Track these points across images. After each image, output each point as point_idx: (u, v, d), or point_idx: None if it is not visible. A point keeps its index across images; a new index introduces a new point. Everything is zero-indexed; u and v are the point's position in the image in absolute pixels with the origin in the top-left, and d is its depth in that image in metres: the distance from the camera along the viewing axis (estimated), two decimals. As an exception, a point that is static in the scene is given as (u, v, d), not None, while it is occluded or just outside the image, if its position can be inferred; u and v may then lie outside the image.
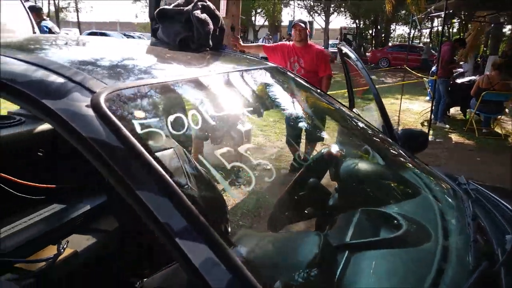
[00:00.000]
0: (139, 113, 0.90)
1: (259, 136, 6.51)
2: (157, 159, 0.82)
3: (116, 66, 1.12)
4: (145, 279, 1.68)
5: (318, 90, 2.18)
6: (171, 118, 0.97)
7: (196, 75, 1.22)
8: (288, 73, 2.12)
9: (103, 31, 24.72)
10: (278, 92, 2.07)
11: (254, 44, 10.07)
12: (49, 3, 30.96)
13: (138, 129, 0.87)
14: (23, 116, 2.32)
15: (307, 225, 1.78)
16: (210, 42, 1.60)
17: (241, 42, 4.57)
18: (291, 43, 4.65)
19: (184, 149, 2.20)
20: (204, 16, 1.56)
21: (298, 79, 2.21)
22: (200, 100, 1.13)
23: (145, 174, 0.78)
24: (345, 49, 3.04)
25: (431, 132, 7.43)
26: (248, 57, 1.93)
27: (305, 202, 1.67)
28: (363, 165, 1.72)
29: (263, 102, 1.72)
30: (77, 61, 1.07)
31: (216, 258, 0.73)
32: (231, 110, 1.42)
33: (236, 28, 4.86)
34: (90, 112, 0.84)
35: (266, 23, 31.67)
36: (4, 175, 1.99)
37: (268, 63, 2.01)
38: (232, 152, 1.13)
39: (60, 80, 0.91)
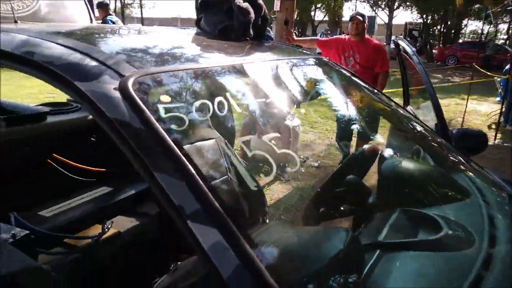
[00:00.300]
0: (165, 98, 0.92)
1: (309, 132, 6.42)
2: (177, 143, 0.83)
3: (150, 52, 1.15)
4: (179, 262, 1.73)
5: (367, 85, 2.09)
6: (197, 104, 0.97)
7: (229, 63, 1.22)
8: (335, 66, 2.05)
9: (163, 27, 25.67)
10: (322, 85, 2.01)
11: (308, 38, 9.91)
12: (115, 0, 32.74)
13: (162, 113, 0.88)
14: (80, 103, 2.47)
15: (343, 223, 1.73)
16: (251, 32, 1.59)
17: (294, 36, 4.52)
18: (347, 36, 4.52)
19: (226, 141, 2.23)
20: (245, 5, 1.55)
21: (346, 72, 2.13)
22: (229, 89, 1.12)
23: (163, 157, 0.78)
24: (402, 43, 2.90)
25: (499, 135, 6.89)
26: (292, 48, 1.89)
27: (342, 199, 1.61)
28: (408, 164, 1.62)
29: (302, 94, 1.67)
30: (113, 47, 1.11)
31: (226, 243, 0.72)
32: (267, 101, 1.41)
33: (290, 22, 4.81)
34: (117, 94, 0.86)
35: (326, 18, 31.07)
36: (60, 157, 2.13)
37: (312, 54, 1.95)
38: (256, 140, 1.10)
39: (93, 63, 0.94)
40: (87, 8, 2.62)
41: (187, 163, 0.78)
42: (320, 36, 14.59)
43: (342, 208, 1.58)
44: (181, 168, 0.77)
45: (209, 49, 1.38)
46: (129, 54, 1.07)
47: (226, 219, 0.74)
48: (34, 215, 1.91)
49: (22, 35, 1.10)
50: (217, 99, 1.00)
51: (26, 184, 2.07)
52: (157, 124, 0.82)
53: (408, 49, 2.66)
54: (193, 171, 0.77)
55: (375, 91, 2.04)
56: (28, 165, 2.12)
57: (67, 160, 2.15)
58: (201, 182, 0.76)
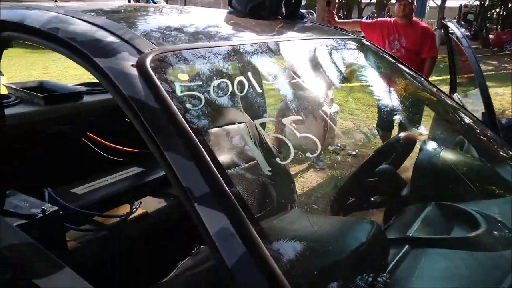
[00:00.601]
0: (183, 76, 0.88)
1: (348, 119, 6.22)
2: (193, 124, 0.79)
3: (174, 29, 1.12)
4: (202, 246, 1.72)
5: (410, 71, 1.96)
6: (215, 83, 0.93)
7: (256, 41, 1.16)
8: (375, 48, 1.93)
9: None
10: (360, 69, 1.91)
11: (351, 20, 9.52)
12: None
13: (179, 92, 0.84)
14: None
15: (373, 215, 1.64)
16: (283, 10, 1.52)
17: (336, 18, 4.34)
18: (392, 19, 4.29)
19: (256, 125, 2.18)
20: (278, -18, 1.48)
21: (387, 56, 2.01)
22: (254, 68, 1.06)
23: (175, 136, 0.75)
24: (451, 25, 2.71)
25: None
26: (329, 28, 1.79)
27: (373, 190, 1.53)
28: (448, 155, 1.50)
29: (336, 77, 1.58)
30: (138, 24, 1.08)
31: (233, 229, 0.68)
32: (297, 83, 1.33)
33: (332, 3, 4.63)
34: (134, 71, 0.84)
35: (373, 0, 29.90)
36: (95, 137, 2.17)
37: (349, 35, 1.84)
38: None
39: (114, 40, 0.92)
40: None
41: (200, 144, 0.74)
42: (366, 19, 14.01)
43: (372, 199, 1.50)
44: (193, 149, 0.74)
45: (236, 27, 1.33)
46: (152, 31, 1.05)
47: (235, 205, 0.70)
48: (67, 192, 1.97)
49: (51, 12, 1.10)
50: (238, 78, 0.95)
51: (62, 161, 2.13)
52: (171, 103, 0.78)
53: (457, 31, 2.48)
54: (205, 153, 0.73)
55: (419, 77, 1.91)
56: (64, 142, 2.17)
57: (101, 140, 2.19)
58: (211, 164, 0.72)
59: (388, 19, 4.40)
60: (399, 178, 1.56)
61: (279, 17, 1.52)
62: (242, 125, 1.97)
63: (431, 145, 1.59)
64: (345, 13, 28.44)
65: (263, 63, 1.14)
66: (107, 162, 2.17)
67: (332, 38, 1.62)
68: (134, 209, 1.96)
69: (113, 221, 1.86)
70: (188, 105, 0.84)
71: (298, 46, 1.35)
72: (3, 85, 2.65)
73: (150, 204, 2.07)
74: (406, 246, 1.02)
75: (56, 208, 1.55)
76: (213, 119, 0.97)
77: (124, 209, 1.96)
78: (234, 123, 1.57)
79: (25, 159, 2.09)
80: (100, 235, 1.78)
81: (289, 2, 1.55)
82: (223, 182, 0.71)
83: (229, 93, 0.94)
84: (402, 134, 1.60)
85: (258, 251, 0.67)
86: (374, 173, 1.54)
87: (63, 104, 2.27)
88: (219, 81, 0.93)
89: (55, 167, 2.11)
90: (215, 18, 1.48)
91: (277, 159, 1.24)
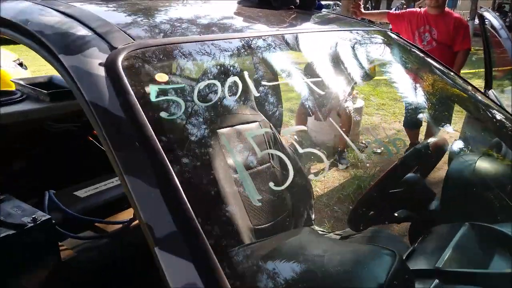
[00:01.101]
0: (163, 77, 0.72)
1: (374, 115, 5.95)
2: (164, 138, 0.64)
3: (165, 21, 0.96)
4: None
5: (439, 65, 1.75)
6: (202, 85, 0.77)
7: (257, 33, 0.98)
8: (401, 40, 1.73)
9: None
10: (385, 63, 1.72)
11: (378, 11, 9.10)
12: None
13: (153, 97, 0.69)
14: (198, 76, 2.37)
15: (398, 229, 1.46)
16: (297, 0, 1.35)
17: (362, 9, 4.09)
18: (422, 9, 4.01)
19: (271, 124, 2.02)
20: (290, -33, 1.31)
21: (414, 48, 1.80)
22: (241, 66, 0.90)
23: (139, 156, 0.60)
24: (488, 16, 2.45)
25: None
26: (346, 19, 1.60)
27: (398, 202, 1.34)
28: (484, 163, 1.30)
29: (357, 71, 1.40)
30: (122, 14, 0.93)
31: (202, 286, 0.52)
32: (309, 79, 1.17)
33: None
34: (101, 71, 0.69)
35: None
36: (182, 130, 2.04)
37: (373, 26, 1.64)
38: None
39: (85, 33, 0.78)
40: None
41: (170, 166, 0.58)
42: (395, 10, 13.43)
43: (396, 214, 1.31)
44: (161, 173, 0.58)
45: (237, 19, 1.16)
46: (135, 23, 0.89)
47: (209, 252, 0.54)
48: (70, 194, 1.87)
49: (28, 1, 0.97)
50: (231, 79, 0.79)
51: (66, 161, 2.04)
52: (140, 112, 0.63)
53: (495, 22, 2.23)
54: (175, 178, 0.57)
55: (449, 72, 1.70)
56: (69, 141, 2.08)
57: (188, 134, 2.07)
58: (183, 194, 0.57)
59: (417, 9, 4.11)
60: (428, 189, 1.37)
61: (292, 7, 1.34)
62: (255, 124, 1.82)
63: (464, 150, 1.38)
64: (373, 4, 27.71)
65: (274, 57, 0.97)
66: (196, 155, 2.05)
67: (350, 30, 1.43)
68: (223, 205, 1.82)
69: (115, 227, 1.75)
70: (163, 114, 0.68)
71: (310, 38, 1.18)
72: (11, 81, 2.58)
73: (240, 200, 1.94)
74: (436, 281, 0.85)
75: (48, 217, 1.44)
76: (197, 131, 0.81)
77: (128, 214, 1.84)
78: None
79: (28, 159, 2.01)
80: (100, 242, 1.68)
81: (304, -10, 1.38)
82: (195, 219, 0.55)
83: (218, 97, 0.77)
84: (431, 139, 1.40)
85: None
86: (399, 183, 1.36)
87: (70, 101, 2.17)
88: (207, 82, 0.77)
89: (59, 167, 2.01)
90: (216, 9, 1.32)
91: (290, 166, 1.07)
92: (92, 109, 0.65)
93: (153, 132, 0.61)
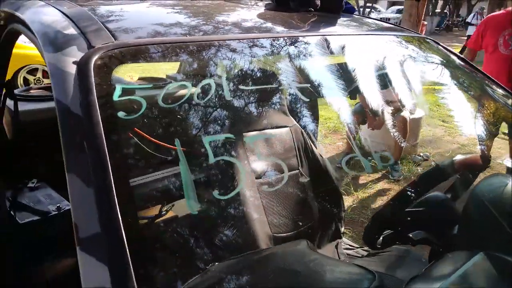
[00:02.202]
0: (133, 76, 0.72)
1: (438, 126, 5.56)
2: (121, 137, 0.63)
3: (155, 21, 0.97)
4: (216, 263, 1.56)
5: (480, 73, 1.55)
6: (172, 85, 0.76)
7: (255, 36, 0.95)
8: (441, 47, 1.59)
9: None
10: (421, 71, 1.58)
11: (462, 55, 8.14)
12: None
13: (116, 96, 0.69)
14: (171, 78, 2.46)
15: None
16: (317, 1, 1.29)
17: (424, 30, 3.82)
18: (509, 8, 3.61)
19: (303, 130, 1.96)
20: (310, -33, 1.25)
21: (455, 56, 1.63)
22: (228, 67, 0.86)
23: (84, 153, 0.60)
24: None
25: None
26: (377, 22, 1.50)
27: (415, 222, 1.22)
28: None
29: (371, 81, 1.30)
30: (117, 14, 0.95)
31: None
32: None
33: (422, -3, 4.15)
34: (73, 70, 0.71)
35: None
36: (140, 131, 2.13)
37: (403, 29, 1.52)
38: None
39: (70, 31, 0.80)
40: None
41: (109, 168, 0.58)
42: (473, 17, 12.47)
43: (411, 235, 1.20)
44: (99, 172, 0.58)
45: (246, 20, 1.12)
46: (125, 21, 0.91)
47: (126, 256, 0.52)
48: None
49: (38, 1, 1.03)
50: (205, 81, 0.77)
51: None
52: (96, 111, 0.64)
53: None
54: (111, 181, 0.57)
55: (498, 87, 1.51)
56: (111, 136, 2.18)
57: (145, 134, 2.15)
58: (114, 197, 0.56)
59: (500, 12, 3.70)
60: (454, 211, 1.23)
61: (311, 9, 1.28)
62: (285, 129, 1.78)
63: (497, 173, 1.23)
64: (454, 10, 26.07)
65: (261, 60, 0.93)
66: (152, 159, 2.13)
67: (375, 34, 1.34)
68: (164, 212, 1.89)
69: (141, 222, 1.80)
70: (121, 114, 0.68)
71: (322, 42, 1.12)
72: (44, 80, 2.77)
73: (183, 207, 1.97)
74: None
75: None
76: (156, 131, 0.80)
77: (154, 211, 1.89)
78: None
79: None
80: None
81: (327, -9, 1.31)
82: (121, 223, 0.54)
83: (186, 98, 0.75)
84: (459, 157, 1.27)
85: None
86: (419, 202, 1.24)
87: None
88: (180, 83, 0.76)
89: None
90: (232, 9, 1.30)
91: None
92: (56, 106, 0.67)
93: (103, 132, 0.61)
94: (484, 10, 13.50)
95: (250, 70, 0.99)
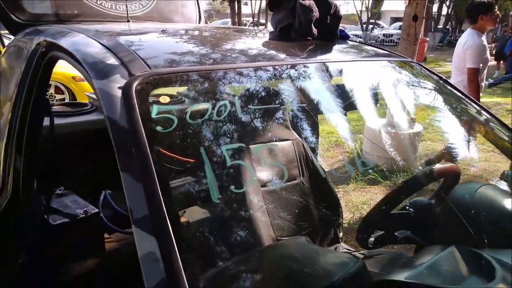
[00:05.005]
0: (165, 99, 0.93)
1: (438, 141, 5.75)
2: (158, 145, 0.83)
3: (182, 51, 1.17)
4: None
5: (460, 94, 1.72)
6: (194, 107, 0.95)
7: (259, 64, 1.15)
8: (425, 70, 1.78)
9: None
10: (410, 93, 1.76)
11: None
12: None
13: (154, 114, 0.89)
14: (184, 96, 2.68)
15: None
16: (314, 31, 1.49)
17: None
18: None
19: (304, 143, 2.15)
20: (308, 2, 1.46)
21: (438, 78, 1.82)
22: (243, 91, 1.06)
23: (132, 157, 0.79)
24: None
25: None
26: (372, 48, 1.70)
27: (401, 223, 1.40)
28: (488, 192, 1.32)
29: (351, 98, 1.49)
30: (149, 46, 1.15)
31: (159, 255, 0.69)
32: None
33: (419, 17, 4.36)
34: (119, 93, 0.90)
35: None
36: (173, 141, 2.32)
37: (390, 53, 1.72)
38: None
39: (113, 61, 1.00)
40: (197, 8, 2.82)
41: (153, 167, 0.77)
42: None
43: (396, 234, 1.37)
44: (145, 171, 0.77)
45: (253, 49, 1.33)
46: (157, 53, 1.11)
47: (168, 230, 0.71)
48: (122, 195, 2.15)
49: (82, 34, 1.24)
50: (221, 103, 0.97)
51: None
52: (139, 125, 0.83)
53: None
54: (155, 176, 0.76)
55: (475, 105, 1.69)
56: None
57: (160, 148, 2.34)
58: (158, 188, 0.75)
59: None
60: (433, 214, 1.41)
61: (309, 38, 1.49)
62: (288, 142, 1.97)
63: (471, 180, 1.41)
64: (453, 25, 26.35)
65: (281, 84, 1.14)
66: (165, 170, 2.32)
67: (367, 60, 1.54)
68: (193, 201, 2.06)
69: None
70: (159, 128, 0.87)
71: (316, 68, 1.32)
72: (85, 94, 3.01)
73: (194, 213, 2.16)
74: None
75: (97, 210, 1.71)
76: (185, 141, 0.99)
77: (187, 199, 2.07)
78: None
79: (94, 161, 2.34)
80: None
81: (323, 22, 1.51)
82: (164, 207, 0.73)
83: (207, 116, 0.95)
84: (435, 167, 1.45)
85: (177, 280, 0.67)
86: (405, 205, 1.42)
87: None
88: (202, 104, 0.96)
89: (117, 170, 2.32)
90: (240, 40, 1.51)
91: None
92: (107, 121, 0.86)
93: (146, 141, 0.80)
94: (505, 30, 13.63)
95: (259, 92, 1.19)
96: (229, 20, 31.27)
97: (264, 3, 33.75)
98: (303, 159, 2.15)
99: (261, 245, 1.52)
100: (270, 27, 1.68)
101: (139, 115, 0.85)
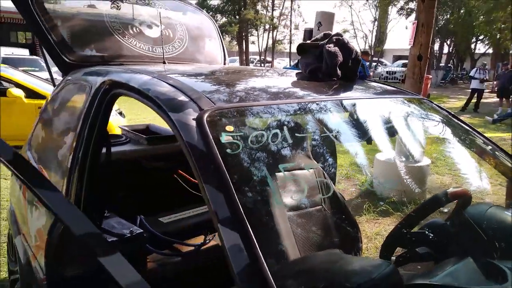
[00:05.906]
0: (230, 128, 1.14)
1: (445, 175, 5.93)
2: (228, 163, 1.04)
3: (232, 89, 1.41)
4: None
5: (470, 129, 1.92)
6: (255, 133, 1.18)
7: (300, 100, 1.39)
8: (438, 107, 1.99)
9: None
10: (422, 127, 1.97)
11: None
12: (268, 36, 35.35)
13: (223, 139, 1.10)
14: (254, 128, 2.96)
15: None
16: (339, 73, 1.73)
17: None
18: None
19: (324, 171, 2.35)
20: (334, 49, 1.71)
21: (450, 115, 2.03)
22: (288, 123, 1.29)
23: (212, 173, 1.00)
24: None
25: None
26: (386, 87, 1.94)
27: (420, 242, 1.57)
28: (497, 212, 1.50)
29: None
30: (206, 85, 1.39)
31: (242, 246, 0.88)
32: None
33: (424, 57, 4.66)
34: (194, 124, 1.12)
35: (490, 50, 28.01)
36: (184, 173, 2.53)
37: (402, 90, 1.95)
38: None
39: (183, 98, 1.23)
40: (222, 50, 3.11)
41: (229, 181, 0.98)
42: (475, 72, 13.10)
43: (417, 250, 1.54)
44: (224, 184, 0.98)
45: (289, 88, 1.57)
46: (216, 91, 1.35)
47: (247, 227, 0.91)
48: (155, 220, 2.34)
49: (148, 75, 1.48)
50: (274, 131, 1.19)
51: (156, 193, 2.53)
52: (214, 148, 1.04)
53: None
54: (232, 188, 0.96)
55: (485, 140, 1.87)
56: (160, 177, 2.58)
57: (189, 176, 2.55)
58: (235, 197, 0.95)
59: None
60: (451, 234, 1.58)
61: (334, 79, 1.72)
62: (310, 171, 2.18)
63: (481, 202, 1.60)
64: (454, 63, 26.97)
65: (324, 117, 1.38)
66: (193, 196, 2.52)
67: (384, 97, 1.77)
68: (208, 241, 2.25)
69: (189, 249, 2.16)
70: (228, 150, 1.09)
71: (346, 104, 1.55)
72: (119, 127, 3.25)
73: (262, 215, 2.34)
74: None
75: (141, 231, 1.89)
76: (248, 163, 1.21)
77: (199, 239, 2.26)
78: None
79: (128, 188, 2.54)
80: (175, 260, 2.10)
81: (346, 65, 1.76)
82: (241, 210, 0.93)
83: (263, 142, 1.18)
84: (449, 190, 1.64)
85: (258, 264, 0.86)
86: (422, 226, 1.60)
87: (162, 145, 2.72)
88: (258, 132, 1.18)
89: (150, 197, 2.52)
90: (274, 80, 1.75)
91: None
92: (187, 146, 1.08)
93: (221, 160, 1.01)
94: (487, 66, 14.16)
95: (297, 123, 1.42)
96: (237, 58, 32.35)
97: (270, 42, 35.21)
98: (324, 187, 2.35)
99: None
100: (276, 65, 1.93)
101: (212, 140, 1.06)
